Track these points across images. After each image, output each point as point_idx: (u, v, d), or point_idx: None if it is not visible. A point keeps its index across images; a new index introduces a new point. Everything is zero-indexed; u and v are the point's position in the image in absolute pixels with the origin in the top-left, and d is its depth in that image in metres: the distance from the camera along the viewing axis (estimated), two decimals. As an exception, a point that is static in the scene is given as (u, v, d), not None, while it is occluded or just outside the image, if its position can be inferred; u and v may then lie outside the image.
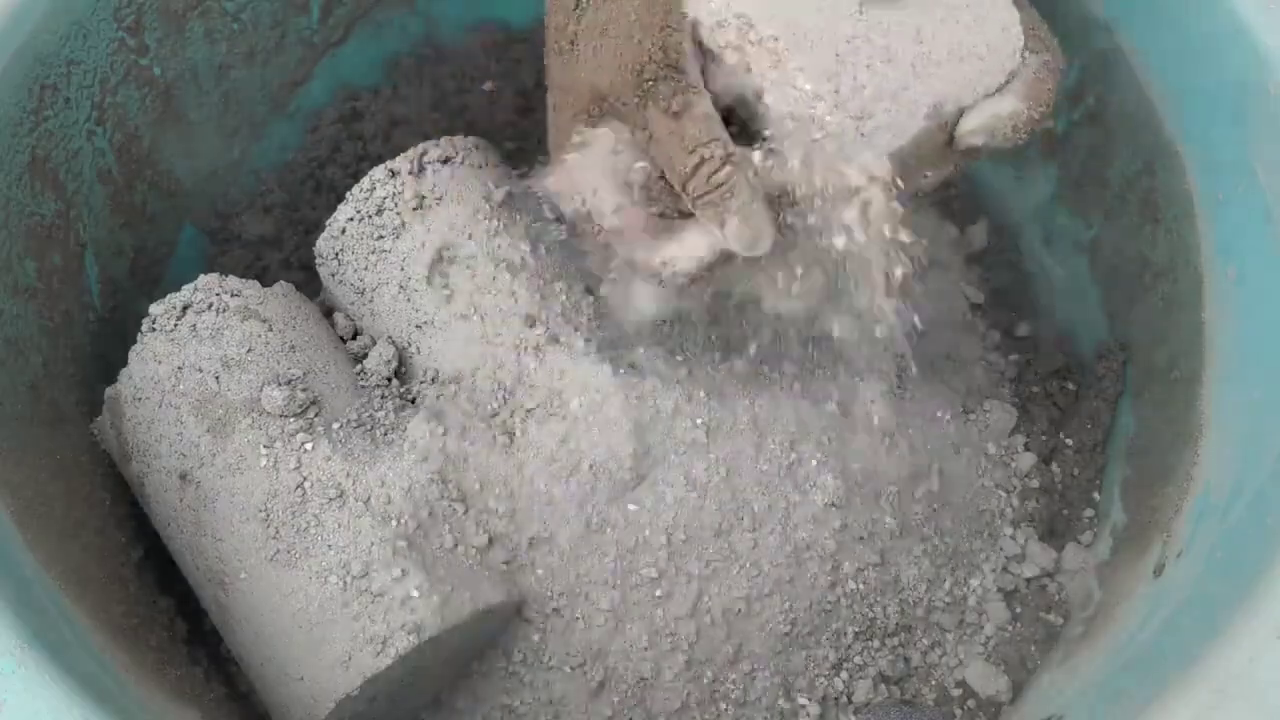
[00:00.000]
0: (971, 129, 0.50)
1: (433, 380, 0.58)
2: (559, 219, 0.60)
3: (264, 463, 0.54)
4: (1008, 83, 0.50)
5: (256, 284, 0.59)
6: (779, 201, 0.48)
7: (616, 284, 0.54)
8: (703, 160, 0.46)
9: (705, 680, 0.57)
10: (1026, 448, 0.66)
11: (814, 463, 0.59)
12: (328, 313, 0.62)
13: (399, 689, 0.55)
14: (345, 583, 0.52)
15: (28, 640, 0.44)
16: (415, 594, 0.52)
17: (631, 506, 0.56)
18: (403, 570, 0.52)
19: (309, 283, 0.64)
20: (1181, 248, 0.60)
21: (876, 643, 0.59)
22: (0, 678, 0.42)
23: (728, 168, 0.46)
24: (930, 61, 0.49)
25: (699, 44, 0.48)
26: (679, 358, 0.59)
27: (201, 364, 0.55)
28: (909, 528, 0.61)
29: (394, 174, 0.59)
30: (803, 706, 0.58)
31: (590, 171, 0.50)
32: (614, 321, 0.58)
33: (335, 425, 0.55)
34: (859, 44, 0.48)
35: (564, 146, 0.51)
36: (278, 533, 0.53)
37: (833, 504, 0.58)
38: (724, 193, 0.46)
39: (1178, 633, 0.48)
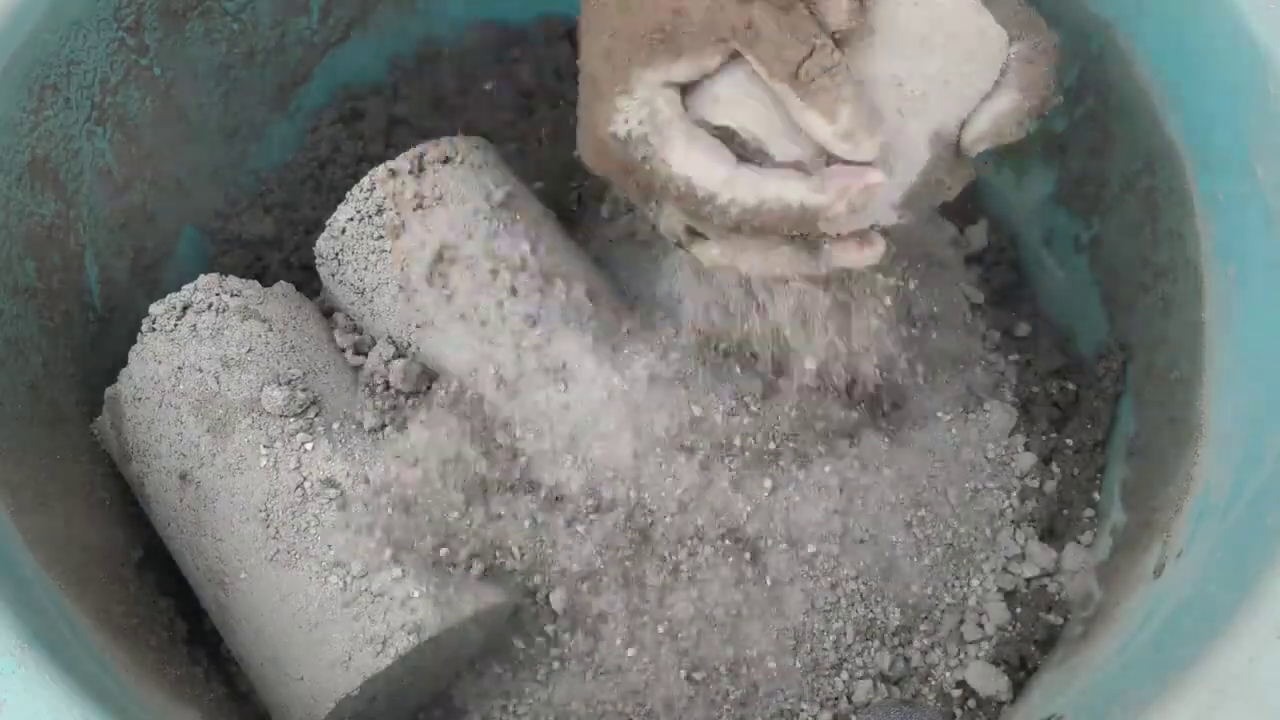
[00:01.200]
0: (976, 137, 0.50)
1: (432, 380, 0.58)
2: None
3: (264, 463, 0.54)
4: (1001, 78, 0.50)
5: (256, 284, 0.59)
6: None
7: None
8: (814, 48, 0.45)
9: (706, 683, 0.57)
10: (1026, 448, 0.66)
11: (814, 465, 0.59)
12: (328, 313, 0.62)
13: (399, 689, 0.55)
14: (345, 583, 0.52)
15: (28, 640, 0.44)
16: (415, 594, 0.52)
17: (631, 507, 0.56)
18: (403, 570, 0.52)
19: (309, 283, 0.64)
20: (1181, 248, 0.60)
21: (876, 643, 0.59)
22: (0, 678, 0.42)
23: (839, 54, 0.45)
24: (915, 99, 0.48)
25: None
26: (675, 355, 0.59)
27: (201, 364, 0.55)
28: (909, 528, 0.61)
29: (394, 174, 0.59)
30: (803, 709, 0.58)
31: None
32: (612, 321, 0.58)
33: (335, 425, 0.55)
34: None
35: (625, 74, 0.48)
36: (278, 533, 0.53)
37: (834, 507, 0.58)
38: (838, 78, 0.45)
39: (1178, 633, 0.48)
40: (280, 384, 0.55)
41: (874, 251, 0.49)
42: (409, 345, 0.58)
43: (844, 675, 0.59)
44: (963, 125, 0.50)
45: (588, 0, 0.50)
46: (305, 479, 0.54)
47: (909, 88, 0.48)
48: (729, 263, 0.50)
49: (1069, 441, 0.66)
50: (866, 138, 0.46)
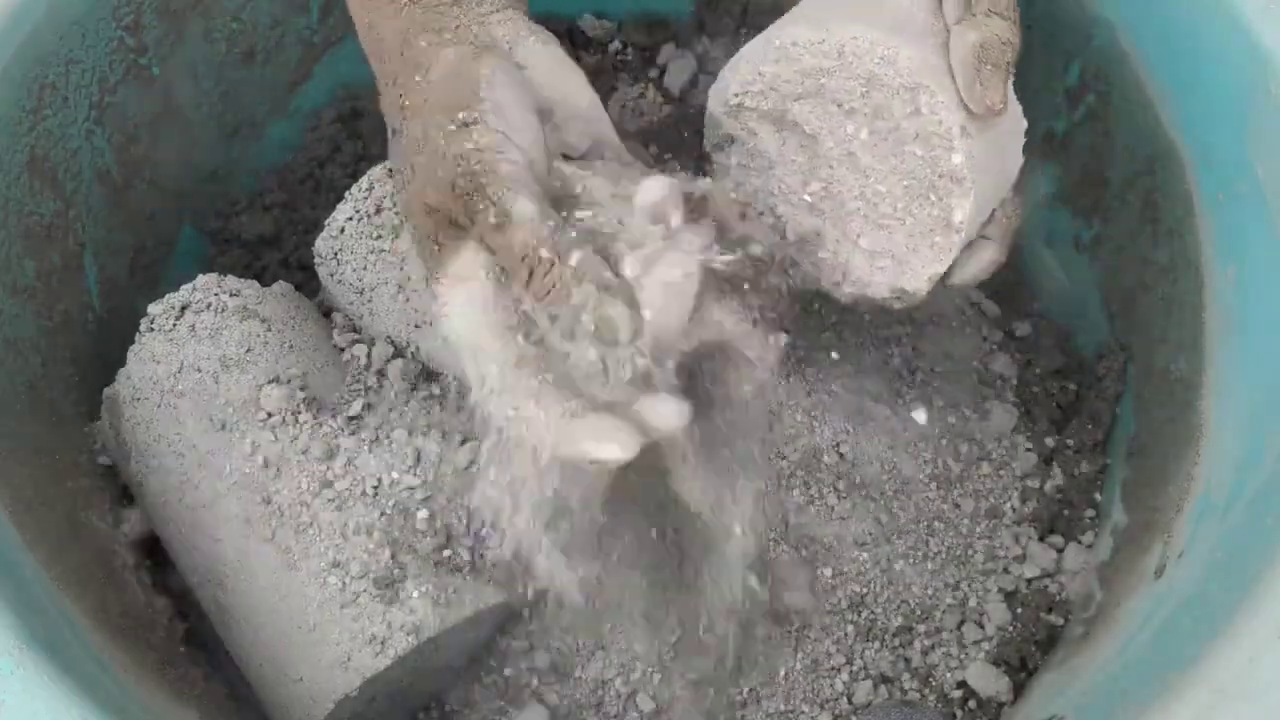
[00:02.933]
0: (962, 281, 0.53)
1: (432, 380, 0.58)
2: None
3: (262, 463, 0.54)
4: (985, 228, 0.52)
5: (255, 284, 0.59)
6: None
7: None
8: (532, 267, 0.42)
9: (708, 689, 0.57)
10: (1027, 448, 0.66)
11: (815, 466, 0.59)
12: (327, 312, 0.62)
13: (398, 689, 0.55)
14: (345, 583, 0.52)
15: (27, 640, 0.44)
16: (415, 594, 0.52)
17: (631, 508, 0.56)
18: (402, 570, 0.52)
19: (308, 282, 0.64)
20: (1181, 248, 0.60)
21: (876, 643, 0.59)
22: (0, 678, 0.42)
23: (554, 258, 0.42)
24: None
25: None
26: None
27: (200, 364, 0.55)
28: (909, 528, 0.61)
29: (393, 173, 0.59)
30: (803, 710, 0.58)
31: (467, 320, 0.45)
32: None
33: (334, 425, 0.55)
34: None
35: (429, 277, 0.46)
36: (276, 534, 0.53)
37: (834, 508, 0.58)
38: (561, 294, 0.42)
39: (1178, 633, 0.48)
40: (279, 383, 0.55)
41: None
42: (408, 345, 0.58)
43: (844, 676, 0.59)
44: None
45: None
46: (304, 479, 0.54)
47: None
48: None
49: (1069, 441, 0.66)
50: (622, 336, 0.42)
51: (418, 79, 0.47)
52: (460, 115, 0.44)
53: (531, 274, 0.42)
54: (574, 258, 0.42)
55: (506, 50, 0.49)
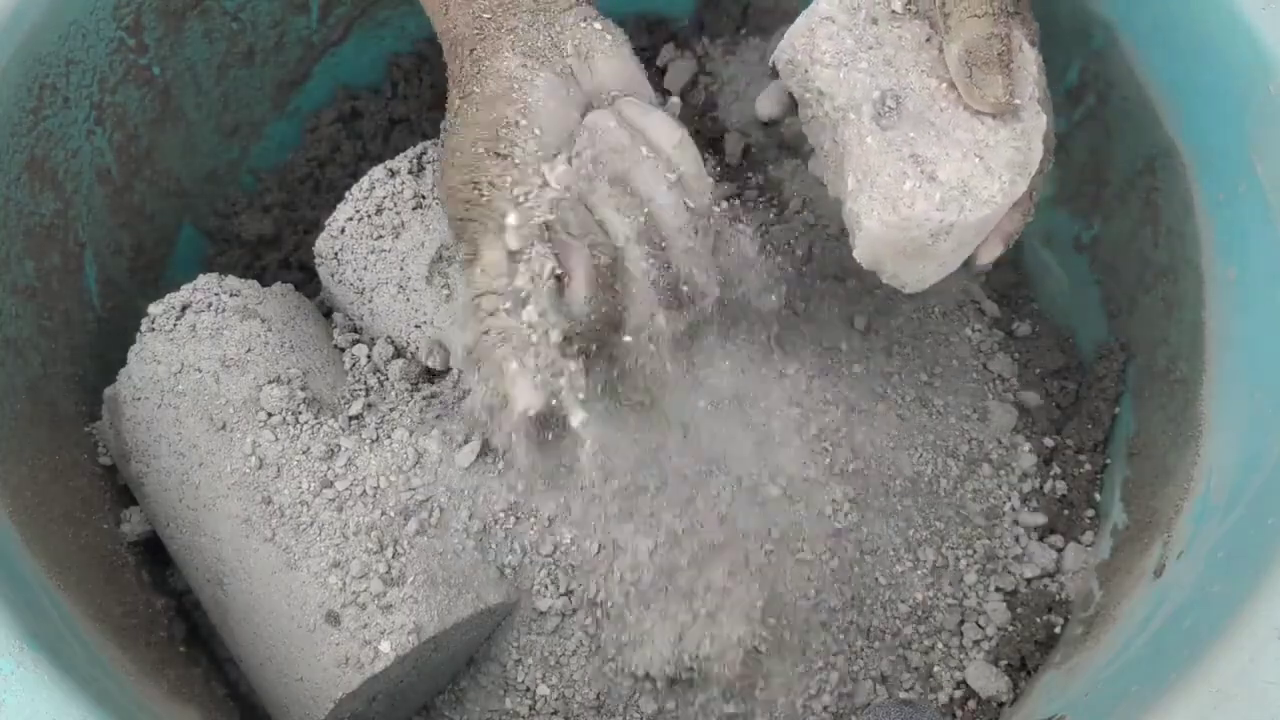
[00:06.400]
0: (987, 260, 0.53)
1: (432, 379, 0.58)
2: None
3: (263, 462, 0.54)
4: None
5: (255, 284, 0.59)
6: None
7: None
8: (476, 309, 0.49)
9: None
10: (1027, 448, 0.66)
11: (816, 466, 0.59)
12: (327, 313, 0.62)
13: (398, 689, 0.55)
14: (345, 582, 0.52)
15: (27, 640, 0.44)
16: (415, 594, 0.52)
17: (631, 509, 0.56)
18: (402, 570, 0.52)
19: (308, 283, 0.64)
20: (1181, 248, 0.60)
21: (877, 643, 0.59)
22: (0, 678, 0.42)
23: (493, 322, 0.48)
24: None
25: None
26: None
27: (201, 364, 0.55)
28: (909, 528, 0.61)
29: (393, 174, 0.59)
30: (804, 710, 0.58)
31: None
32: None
33: (334, 425, 0.55)
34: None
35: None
36: (276, 534, 0.53)
37: (834, 508, 0.58)
38: (487, 343, 0.49)
39: (1178, 633, 0.48)
40: (279, 383, 0.55)
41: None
42: (408, 345, 0.58)
43: (844, 676, 0.59)
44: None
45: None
46: (304, 479, 0.54)
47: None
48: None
49: (1069, 441, 0.66)
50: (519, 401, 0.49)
51: (475, 90, 0.50)
52: (493, 145, 0.49)
53: (473, 315, 0.49)
54: (492, 332, 0.49)
55: (569, 57, 0.50)
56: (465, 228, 0.49)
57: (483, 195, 0.48)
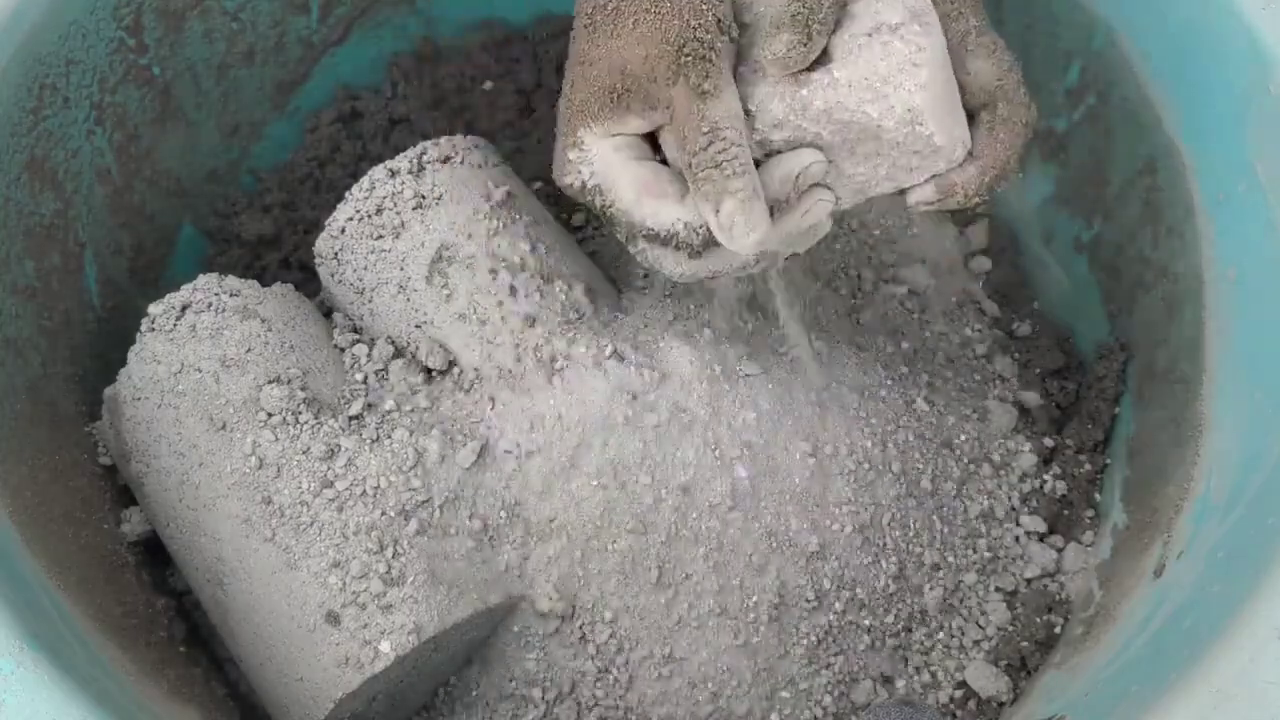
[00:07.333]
0: (918, 200, 0.50)
1: (433, 379, 0.58)
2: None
3: (263, 462, 0.54)
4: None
5: (255, 284, 0.59)
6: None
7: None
8: (715, 139, 0.46)
9: (707, 689, 0.57)
10: (1027, 448, 0.66)
11: (815, 464, 0.59)
12: (327, 313, 0.62)
13: (398, 689, 0.55)
14: (345, 582, 0.52)
15: (27, 640, 0.44)
16: (415, 594, 0.52)
17: (631, 509, 0.56)
18: (402, 570, 0.52)
19: (308, 283, 0.64)
20: (1181, 248, 0.60)
21: (877, 643, 0.59)
22: (0, 678, 0.42)
23: (738, 148, 0.46)
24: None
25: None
26: (672, 356, 0.59)
27: (200, 364, 0.55)
28: (909, 528, 0.61)
29: (394, 174, 0.59)
30: (804, 710, 0.58)
31: (609, 161, 0.50)
32: (616, 321, 0.59)
33: (334, 425, 0.55)
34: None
35: (575, 127, 0.50)
36: (276, 534, 0.53)
37: (834, 510, 0.58)
38: (727, 171, 0.46)
39: (1178, 633, 0.48)
40: (279, 383, 0.55)
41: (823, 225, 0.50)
42: (408, 345, 0.58)
43: (844, 675, 0.59)
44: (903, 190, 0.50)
45: (577, 22, 0.51)
46: (305, 479, 0.54)
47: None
48: (695, 274, 0.51)
49: (1069, 441, 0.66)
50: (743, 235, 0.46)
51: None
52: (713, 11, 0.47)
53: (712, 142, 0.46)
54: (735, 180, 0.46)
55: None
56: (696, 63, 0.47)
57: (709, 37, 0.47)
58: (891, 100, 0.47)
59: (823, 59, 0.48)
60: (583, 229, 0.70)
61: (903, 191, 0.51)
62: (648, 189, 0.49)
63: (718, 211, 0.46)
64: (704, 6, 0.47)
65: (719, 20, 0.47)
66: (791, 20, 0.46)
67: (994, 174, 0.50)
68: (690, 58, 0.46)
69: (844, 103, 0.48)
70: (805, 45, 0.47)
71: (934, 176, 0.50)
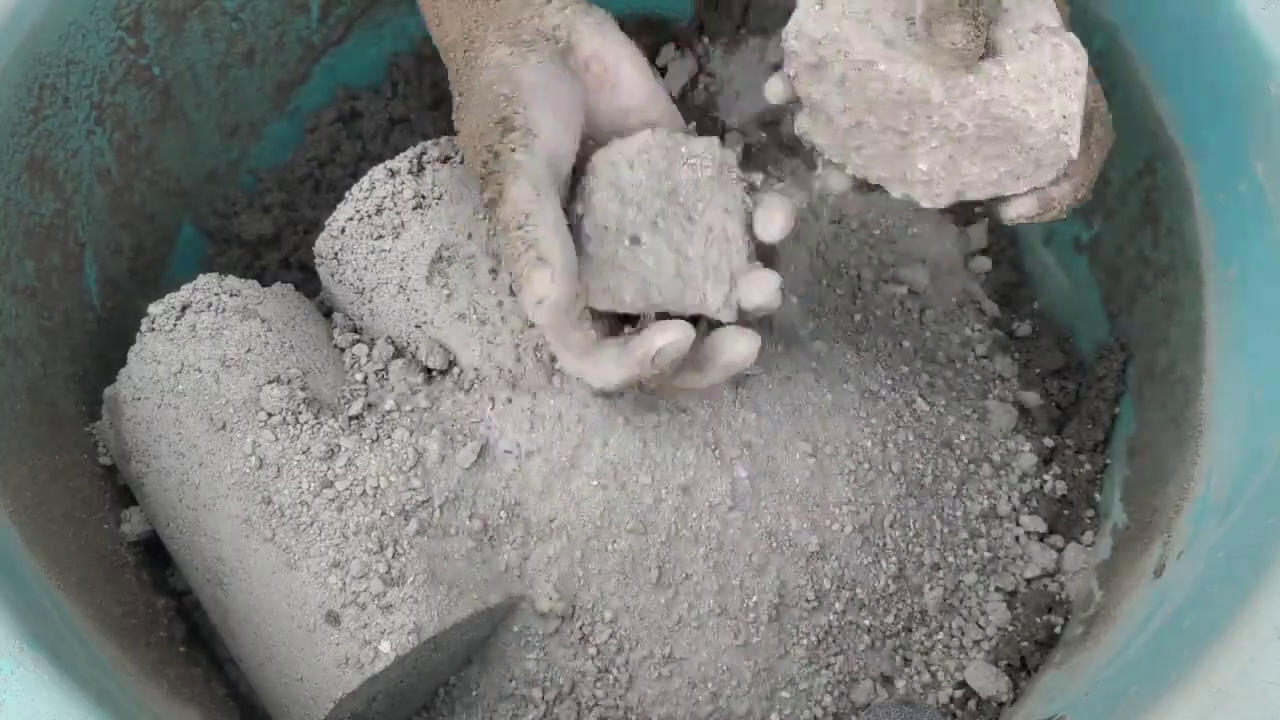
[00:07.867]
0: (1017, 214, 0.51)
1: (433, 379, 0.58)
2: None
3: (263, 462, 0.54)
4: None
5: (255, 284, 0.59)
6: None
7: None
8: (505, 237, 0.48)
9: (707, 689, 0.57)
10: (1027, 448, 0.66)
11: (815, 464, 0.59)
12: (327, 313, 0.62)
13: (398, 689, 0.55)
14: (345, 582, 0.52)
15: (27, 640, 0.44)
16: (415, 594, 0.52)
17: (631, 509, 0.56)
18: (402, 570, 0.52)
19: (308, 283, 0.64)
20: (1181, 248, 0.60)
21: (877, 643, 0.59)
22: (0, 678, 0.42)
23: (530, 252, 0.47)
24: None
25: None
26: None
27: (200, 364, 0.55)
28: (909, 528, 0.61)
29: (393, 174, 0.59)
30: (804, 710, 0.58)
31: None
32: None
33: (334, 425, 0.55)
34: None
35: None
36: (277, 533, 0.53)
37: (834, 511, 0.58)
38: (521, 262, 0.47)
39: (1178, 633, 0.48)
40: (279, 383, 0.55)
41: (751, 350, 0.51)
42: (408, 345, 0.58)
43: (844, 675, 0.59)
44: (1002, 199, 0.50)
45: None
46: (304, 479, 0.54)
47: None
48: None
49: (1069, 441, 0.66)
50: (531, 300, 0.48)
51: (471, 84, 0.52)
52: (498, 116, 0.50)
53: (506, 249, 0.48)
54: (520, 262, 0.48)
55: (558, 46, 0.52)
56: (488, 180, 0.50)
57: (497, 147, 0.49)
58: (1053, 104, 0.47)
59: (988, 50, 0.47)
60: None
61: (997, 200, 0.51)
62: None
63: (522, 288, 0.48)
64: (487, 114, 0.49)
65: (504, 119, 0.49)
66: (960, 9, 0.46)
67: (1084, 191, 0.50)
68: (482, 174, 0.49)
69: (1008, 97, 0.47)
70: (980, 35, 0.46)
71: (1034, 189, 0.50)
